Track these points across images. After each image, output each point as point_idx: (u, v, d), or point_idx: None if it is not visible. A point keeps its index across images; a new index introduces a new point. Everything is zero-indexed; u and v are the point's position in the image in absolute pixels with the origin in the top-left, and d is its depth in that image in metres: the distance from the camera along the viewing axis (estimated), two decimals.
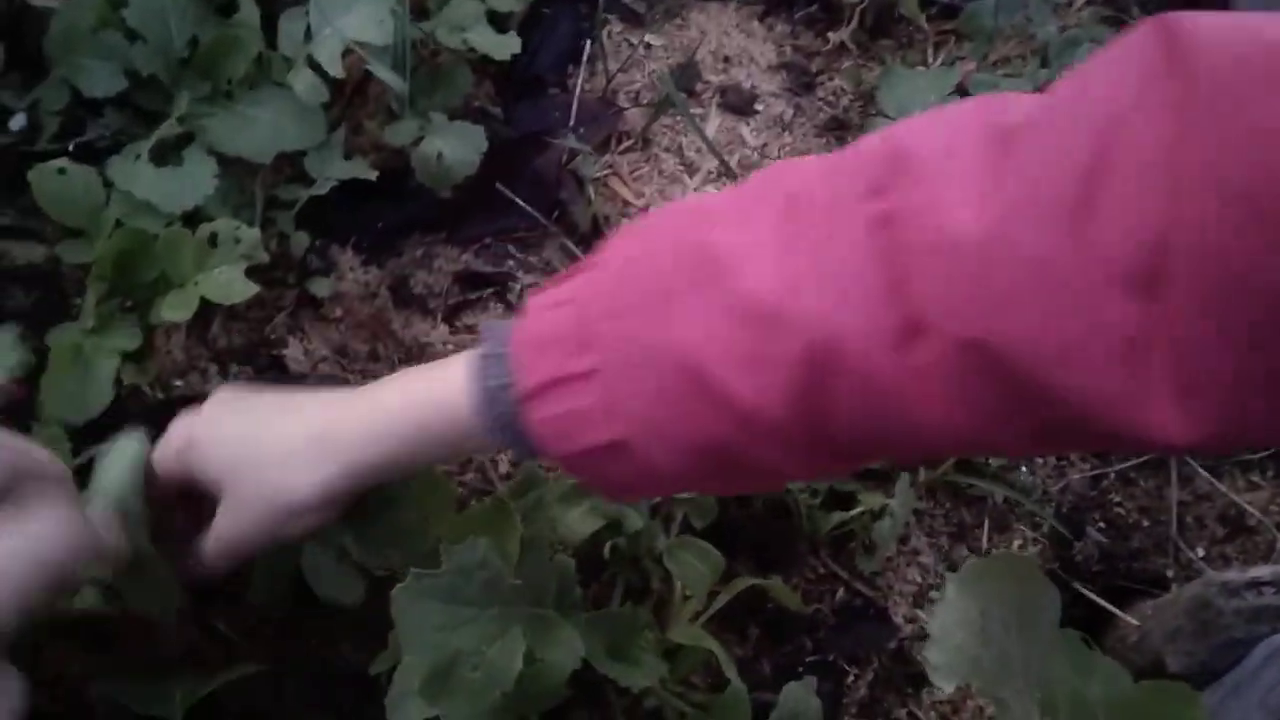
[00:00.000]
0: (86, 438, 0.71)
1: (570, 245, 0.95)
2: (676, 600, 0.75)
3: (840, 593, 0.82)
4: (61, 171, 0.76)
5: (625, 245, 0.52)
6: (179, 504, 0.62)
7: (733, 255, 0.47)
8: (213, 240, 0.74)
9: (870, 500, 0.81)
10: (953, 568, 0.86)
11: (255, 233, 0.75)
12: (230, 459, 0.58)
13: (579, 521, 0.70)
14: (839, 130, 1.08)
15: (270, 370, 0.83)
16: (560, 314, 0.51)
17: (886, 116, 1.06)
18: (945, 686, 0.48)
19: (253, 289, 0.74)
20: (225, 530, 0.59)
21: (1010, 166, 0.41)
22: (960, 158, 0.43)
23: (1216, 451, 0.86)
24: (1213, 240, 0.36)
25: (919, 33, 1.14)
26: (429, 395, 0.56)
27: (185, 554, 0.61)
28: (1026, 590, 0.53)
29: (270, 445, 0.57)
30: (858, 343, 0.43)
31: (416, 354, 0.87)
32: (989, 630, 0.50)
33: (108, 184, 0.77)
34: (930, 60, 1.13)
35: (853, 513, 0.82)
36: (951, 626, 0.49)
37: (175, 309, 0.73)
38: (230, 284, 0.74)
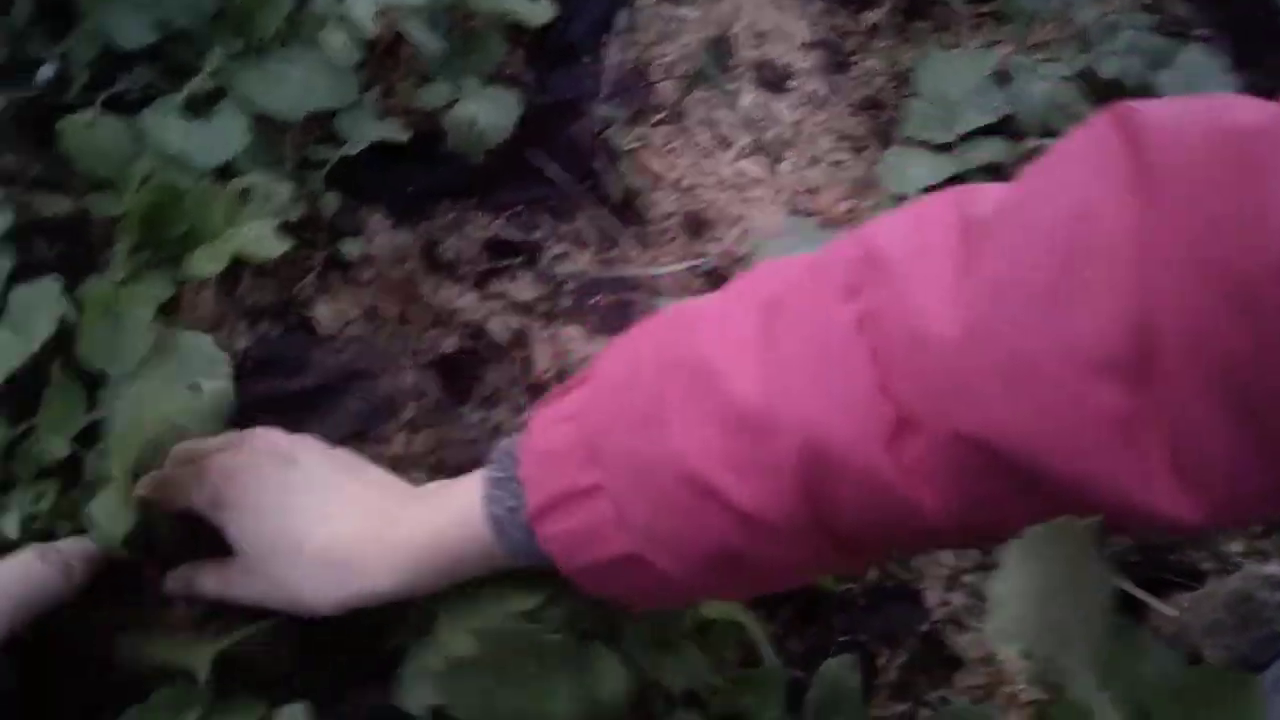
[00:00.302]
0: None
1: (602, 215, 0.94)
2: None
3: (872, 573, 0.81)
4: (91, 124, 0.75)
5: (619, 359, 0.54)
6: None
7: (719, 363, 0.48)
8: (245, 196, 0.73)
9: None
10: (986, 552, 0.84)
11: (288, 189, 0.74)
12: (263, 546, 0.59)
13: None
14: (873, 109, 1.06)
15: (299, 330, 0.81)
16: (563, 430, 0.53)
17: (921, 98, 1.05)
18: (1006, 649, 0.47)
19: (285, 245, 0.72)
20: (237, 591, 0.62)
21: (984, 261, 0.42)
22: (933, 255, 0.44)
23: (1232, 525, 0.85)
24: (1198, 322, 0.38)
25: (956, 15, 1.13)
26: (455, 531, 0.57)
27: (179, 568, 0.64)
28: (1083, 562, 0.52)
29: (302, 555, 0.58)
30: (850, 443, 0.44)
31: (445, 319, 0.85)
32: (1049, 598, 0.48)
33: (138, 137, 0.76)
34: (967, 43, 1.11)
35: None
36: (1011, 593, 0.48)
37: (206, 263, 0.71)
38: (262, 240, 0.72)
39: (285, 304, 0.83)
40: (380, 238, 0.87)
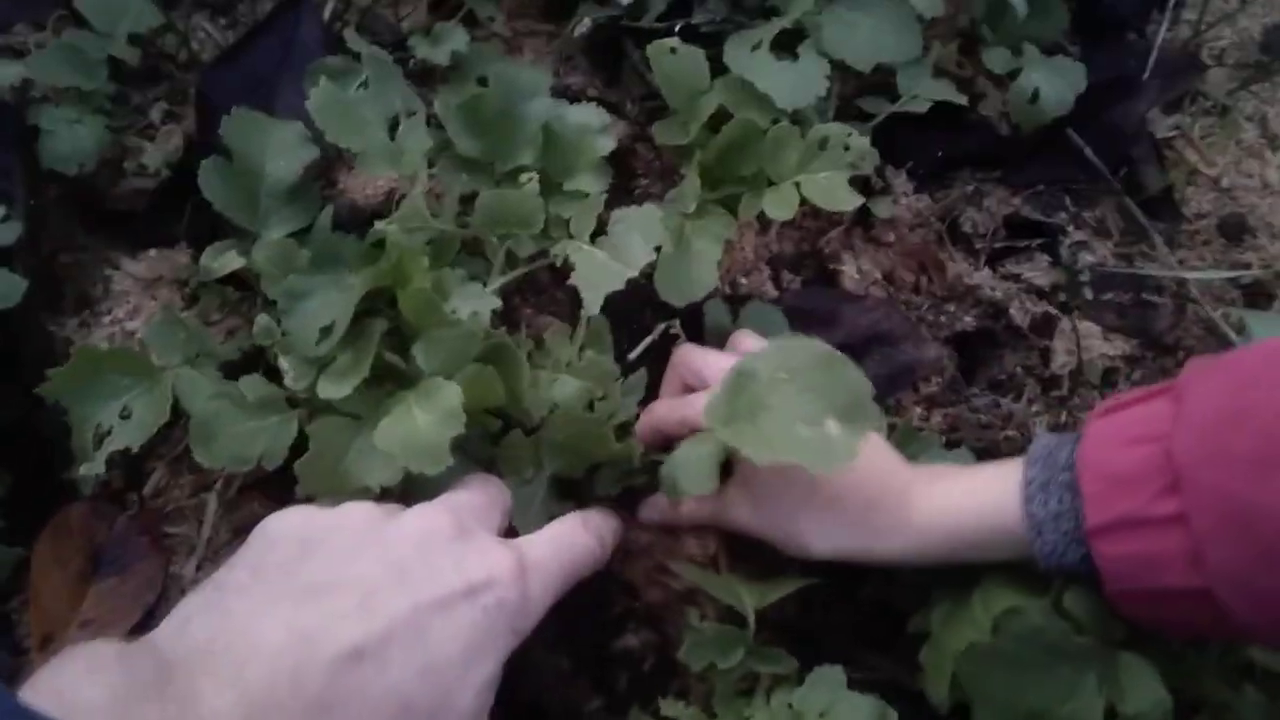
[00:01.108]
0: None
1: (1132, 207, 0.87)
2: None
3: None
4: (675, 49, 0.76)
5: (1219, 389, 0.52)
6: None
7: None
8: (823, 144, 0.72)
9: None
10: None
11: (865, 142, 0.72)
12: (777, 481, 0.62)
13: None
14: None
15: (821, 283, 0.81)
16: (1139, 452, 0.52)
17: None
18: None
19: (857, 199, 0.71)
20: (734, 515, 0.65)
21: None
22: None
23: None
24: None
25: None
26: (963, 514, 0.58)
27: None
28: None
29: (815, 497, 0.61)
30: None
31: (961, 294, 0.82)
32: None
33: (716, 70, 0.76)
34: None
35: None
36: None
37: (777, 207, 0.72)
38: (834, 190, 0.71)
39: (809, 256, 0.82)
40: (905, 200, 0.84)
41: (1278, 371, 0.50)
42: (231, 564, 0.50)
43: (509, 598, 0.50)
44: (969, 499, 0.59)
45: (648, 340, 0.73)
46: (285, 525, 0.51)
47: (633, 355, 0.73)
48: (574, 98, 0.81)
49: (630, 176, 0.83)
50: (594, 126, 0.72)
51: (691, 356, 0.68)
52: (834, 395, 0.55)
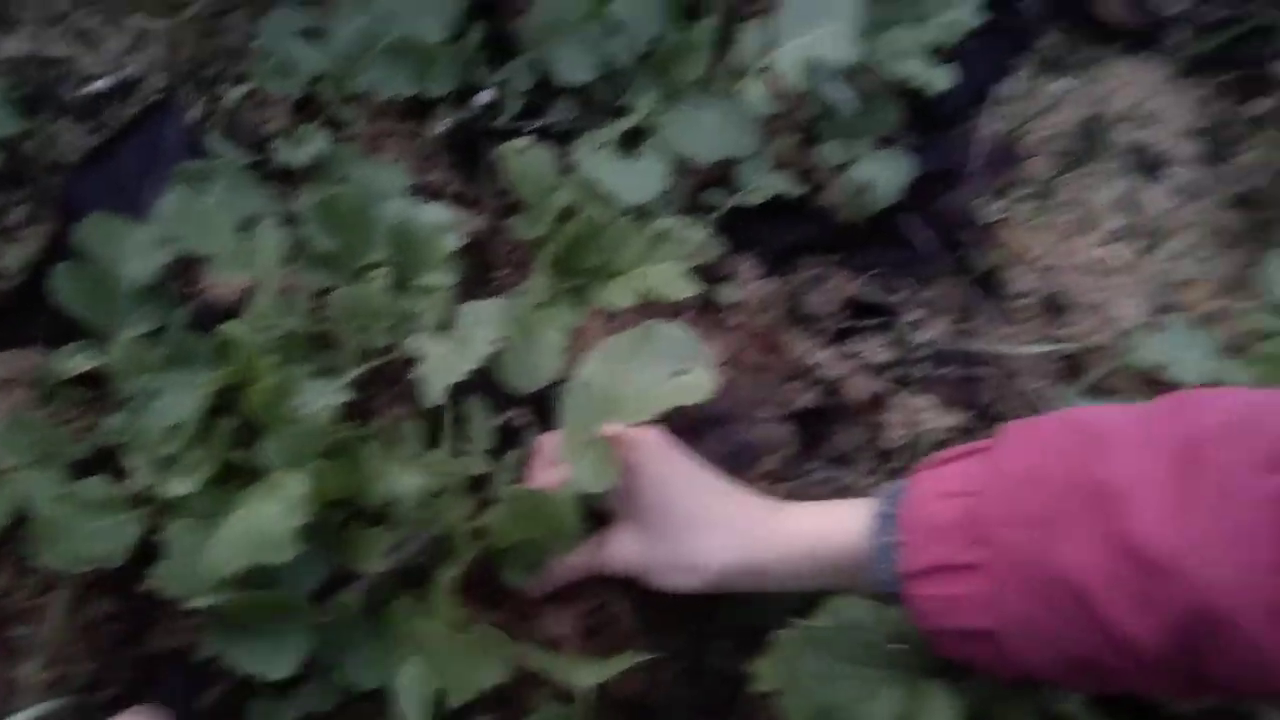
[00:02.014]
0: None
1: (961, 285, 0.94)
2: None
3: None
4: (526, 150, 0.81)
5: (1022, 453, 0.57)
6: None
7: (1126, 495, 0.50)
8: (663, 236, 0.77)
9: None
10: None
11: (703, 234, 0.77)
12: (672, 495, 0.67)
13: None
14: (1251, 206, 1.01)
15: None
16: (952, 506, 0.57)
17: None
18: None
19: (695, 288, 0.76)
20: (623, 547, 0.68)
21: None
22: None
23: None
24: None
25: None
26: (825, 532, 0.64)
27: None
28: None
29: (706, 516, 0.66)
30: (1251, 615, 0.47)
31: (801, 373, 0.87)
32: None
33: (565, 168, 0.81)
34: None
35: None
36: None
37: (619, 295, 0.76)
38: (673, 281, 0.76)
39: None
40: (751, 285, 0.90)
41: (1071, 439, 0.56)
42: None
43: None
44: (829, 522, 0.65)
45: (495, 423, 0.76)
46: None
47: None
48: (434, 194, 0.86)
49: (488, 268, 0.86)
50: (443, 224, 0.76)
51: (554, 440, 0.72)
52: (672, 351, 0.65)
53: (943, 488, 0.59)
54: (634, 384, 0.66)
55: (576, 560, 0.70)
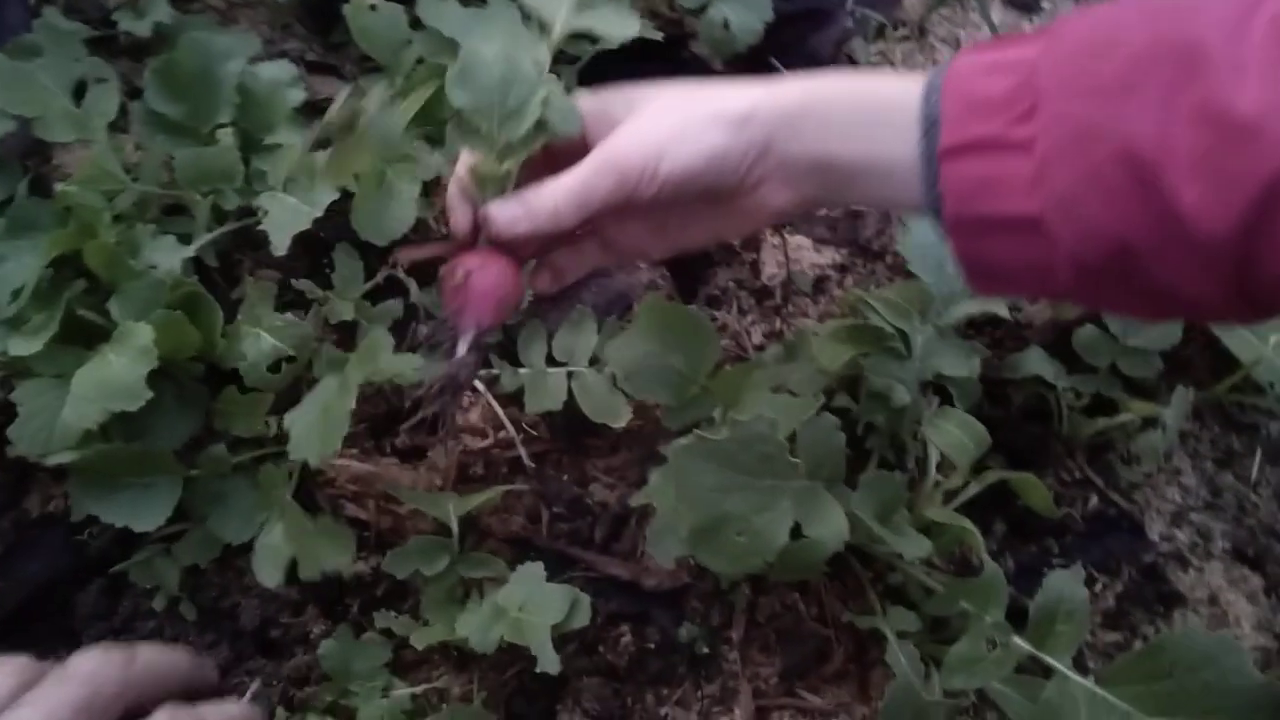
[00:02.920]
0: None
1: None
2: (929, 482, 0.74)
3: (1093, 500, 0.80)
4: (373, 8, 0.79)
5: (1093, 24, 0.49)
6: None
7: (1219, 60, 0.44)
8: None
9: (1138, 409, 0.78)
10: (1216, 493, 0.82)
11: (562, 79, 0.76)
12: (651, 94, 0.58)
13: (834, 353, 0.71)
14: None
15: None
16: (1001, 81, 0.49)
17: None
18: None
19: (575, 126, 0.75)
20: (594, 183, 0.56)
21: None
22: None
23: None
24: None
25: None
26: (867, 88, 0.55)
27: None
28: None
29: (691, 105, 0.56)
30: None
31: None
32: None
33: (413, 24, 0.80)
34: None
35: (1116, 420, 0.78)
36: None
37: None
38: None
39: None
40: None
41: (1147, 4, 0.49)
42: None
43: None
44: (874, 80, 0.56)
45: (374, 282, 0.77)
46: None
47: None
48: (293, 62, 0.84)
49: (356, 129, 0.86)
50: (284, 80, 0.75)
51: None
52: None
53: (993, 63, 0.50)
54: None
55: (564, 193, 0.57)
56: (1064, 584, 0.64)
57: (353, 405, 0.60)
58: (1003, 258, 0.51)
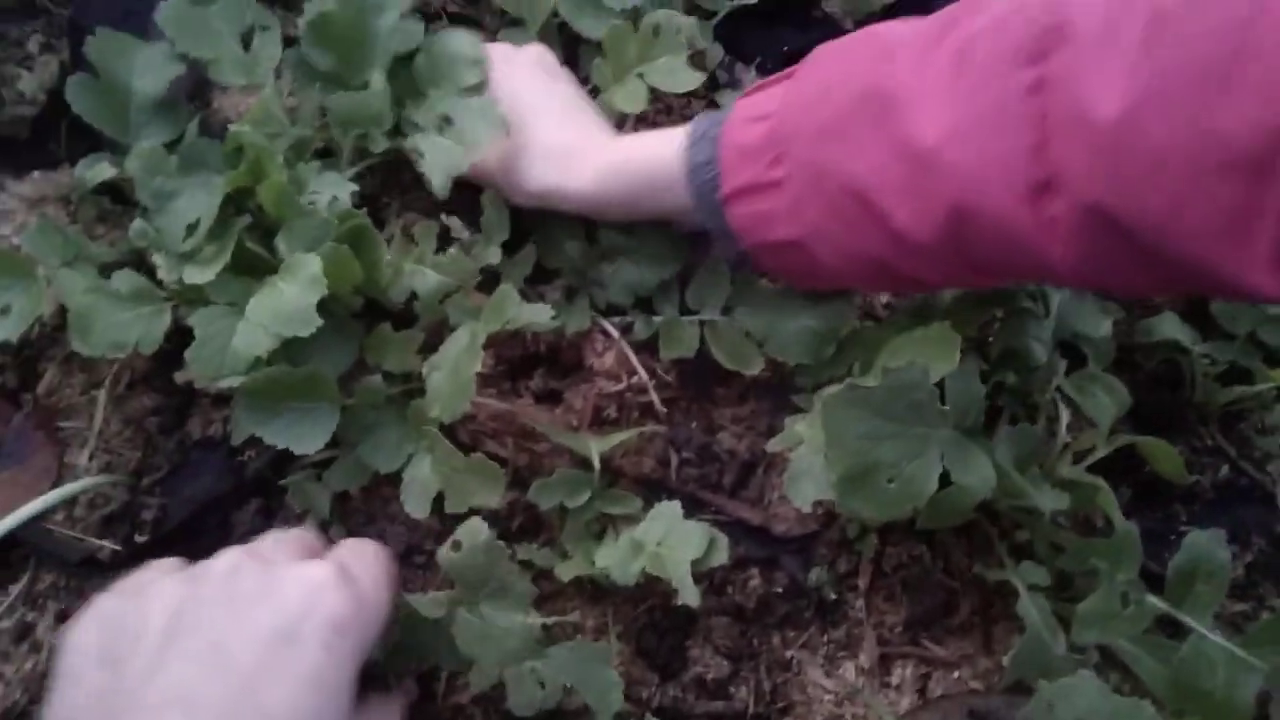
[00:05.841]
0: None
1: None
2: (1059, 442, 0.74)
3: (1224, 470, 0.79)
4: None
5: (816, 73, 0.62)
6: None
7: (905, 100, 0.54)
8: (656, 30, 0.78)
9: (1278, 378, 0.77)
10: None
11: (693, 21, 0.77)
12: (523, 111, 0.73)
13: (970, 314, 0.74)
14: None
15: None
16: (760, 128, 0.62)
17: None
18: None
19: (699, 77, 0.77)
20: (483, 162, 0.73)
21: (1156, 53, 0.45)
22: (1117, 37, 0.46)
23: None
24: None
25: None
26: (658, 159, 0.68)
27: None
28: None
29: (543, 137, 0.72)
30: (998, 193, 0.52)
31: None
32: None
33: None
34: None
35: (1253, 389, 0.78)
36: None
37: (627, 100, 0.77)
38: (676, 72, 0.77)
39: None
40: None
41: (865, 54, 0.59)
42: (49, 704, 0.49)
43: (340, 613, 0.50)
44: (644, 146, 0.70)
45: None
46: (84, 642, 0.50)
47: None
48: (434, 15, 0.87)
49: None
50: (467, 56, 0.76)
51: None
52: None
53: (753, 112, 0.64)
54: None
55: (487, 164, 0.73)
56: (1205, 544, 0.65)
57: (479, 366, 0.63)
58: (786, 267, 0.68)
